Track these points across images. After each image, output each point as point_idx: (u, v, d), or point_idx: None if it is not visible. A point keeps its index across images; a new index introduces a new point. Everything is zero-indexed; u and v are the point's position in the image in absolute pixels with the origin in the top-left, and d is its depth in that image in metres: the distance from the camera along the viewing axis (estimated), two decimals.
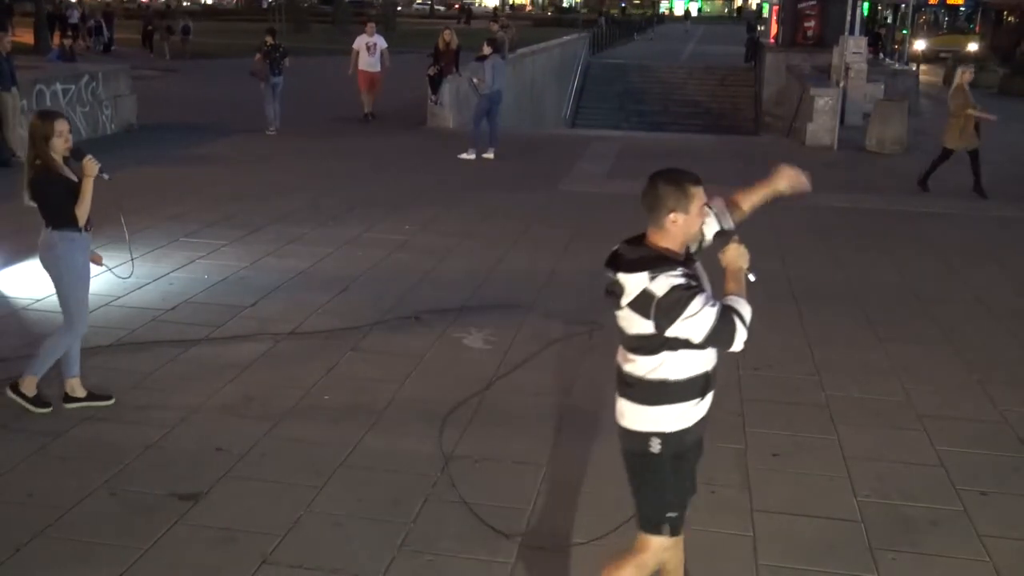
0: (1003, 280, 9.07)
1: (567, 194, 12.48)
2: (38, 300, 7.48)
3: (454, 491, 4.83)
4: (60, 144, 5.35)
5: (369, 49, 18.26)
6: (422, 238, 9.92)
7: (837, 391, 6.26)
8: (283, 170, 13.72)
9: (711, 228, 3.54)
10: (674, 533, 3.49)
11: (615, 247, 3.36)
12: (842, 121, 17.26)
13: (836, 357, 6.86)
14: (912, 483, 5.07)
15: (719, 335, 3.19)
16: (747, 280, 3.36)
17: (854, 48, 18.29)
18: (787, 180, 3.68)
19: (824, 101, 16.90)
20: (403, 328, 7.22)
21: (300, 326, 7.17)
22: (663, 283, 3.17)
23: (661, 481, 3.42)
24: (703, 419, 3.45)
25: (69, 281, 5.50)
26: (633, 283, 3.21)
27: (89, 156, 5.35)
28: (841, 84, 17.35)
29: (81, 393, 5.66)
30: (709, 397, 3.42)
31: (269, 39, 16.93)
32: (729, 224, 3.60)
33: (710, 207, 3.47)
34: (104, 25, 37.82)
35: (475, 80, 15.35)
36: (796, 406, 5.98)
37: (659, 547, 3.48)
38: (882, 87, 19.90)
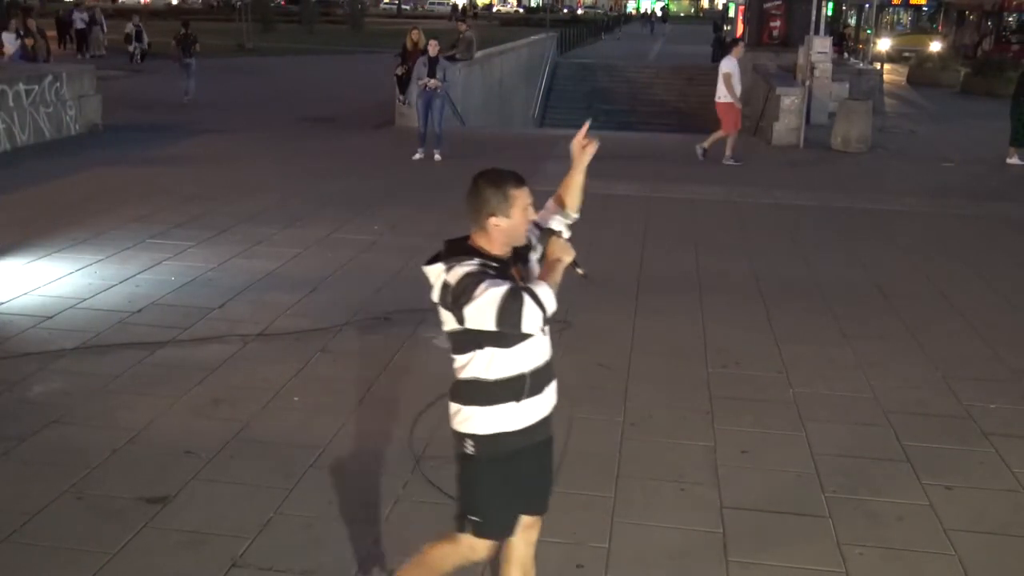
0: (966, 277, 9.18)
1: (535, 193, 12.35)
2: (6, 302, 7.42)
3: (424, 492, 4.83)
4: None
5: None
6: (391, 238, 9.89)
7: (804, 388, 6.31)
8: (250, 170, 13.63)
9: (559, 224, 3.63)
10: (479, 535, 3.32)
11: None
12: (808, 120, 17.44)
13: (803, 354, 6.92)
14: (879, 478, 5.13)
15: (506, 315, 3.02)
16: (580, 275, 3.33)
17: (819, 48, 18.46)
18: (578, 157, 3.70)
19: (790, 100, 17.06)
20: (373, 328, 7.20)
21: (269, 327, 7.13)
22: (456, 272, 3.13)
23: (472, 482, 3.33)
24: (530, 428, 3.32)
25: None
26: (432, 275, 3.21)
27: None
28: (807, 83, 17.50)
29: None
30: (534, 403, 3.31)
31: (184, 30, 21.08)
32: (561, 225, 3.65)
33: (536, 223, 3.45)
34: (143, 30, 32.24)
35: (431, 83, 14.90)
36: (764, 403, 6.03)
37: (465, 545, 3.36)
38: (847, 86, 20.11)
